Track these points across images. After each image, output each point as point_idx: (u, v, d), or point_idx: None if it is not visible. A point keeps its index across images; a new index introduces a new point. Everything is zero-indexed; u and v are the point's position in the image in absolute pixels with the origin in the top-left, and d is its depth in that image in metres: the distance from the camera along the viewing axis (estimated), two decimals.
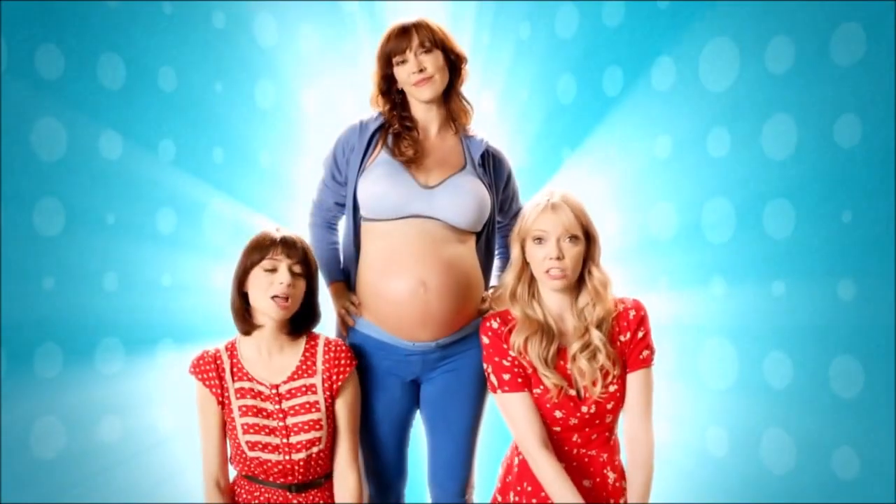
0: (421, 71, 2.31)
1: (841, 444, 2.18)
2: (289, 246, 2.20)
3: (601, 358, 2.17)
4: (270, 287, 2.17)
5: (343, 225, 2.47)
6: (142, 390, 2.69)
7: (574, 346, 2.18)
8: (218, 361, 2.24)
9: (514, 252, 2.23)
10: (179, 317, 2.80)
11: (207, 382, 2.23)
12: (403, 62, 2.33)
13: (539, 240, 2.17)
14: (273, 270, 2.18)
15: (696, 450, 2.62)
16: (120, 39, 2.57)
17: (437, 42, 2.33)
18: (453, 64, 2.37)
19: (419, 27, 2.33)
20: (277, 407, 2.22)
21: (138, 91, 2.62)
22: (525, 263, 2.22)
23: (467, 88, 2.47)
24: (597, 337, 2.17)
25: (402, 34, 2.33)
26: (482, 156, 2.39)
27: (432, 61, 2.32)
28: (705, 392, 2.57)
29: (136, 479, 2.66)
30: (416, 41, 2.31)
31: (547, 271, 2.15)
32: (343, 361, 2.28)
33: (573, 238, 2.16)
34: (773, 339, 2.35)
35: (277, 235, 2.21)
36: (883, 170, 2.08)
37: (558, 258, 2.14)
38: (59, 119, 2.40)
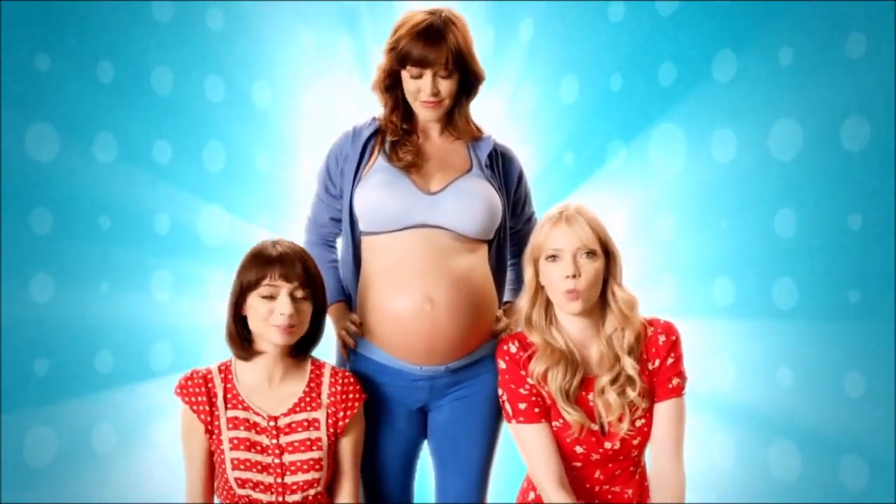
0: (434, 94, 2.13)
1: (847, 450, 2.19)
2: (287, 266, 1.99)
3: (631, 392, 2.01)
4: (271, 316, 1.98)
5: (342, 242, 2.30)
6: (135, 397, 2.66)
7: (603, 379, 2.03)
8: (209, 384, 2.04)
9: (528, 274, 2.09)
10: (174, 322, 2.74)
11: (195, 406, 2.02)
12: (418, 76, 2.12)
13: (553, 257, 2.02)
14: (272, 297, 1.99)
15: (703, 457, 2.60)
16: (115, 40, 2.54)
17: (459, 63, 2.12)
18: (468, 83, 2.18)
19: (447, 41, 2.08)
20: (274, 442, 2.03)
21: (133, 92, 2.60)
22: (539, 286, 2.07)
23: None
24: (630, 366, 2.02)
25: (428, 44, 2.08)
26: (489, 156, 2.21)
27: (449, 86, 2.13)
28: (712, 405, 2.56)
29: (129, 485, 2.63)
30: (440, 60, 2.09)
31: (564, 292, 2.00)
32: (351, 396, 2.09)
33: (590, 253, 2.01)
34: (779, 353, 2.36)
35: (274, 252, 2.01)
36: (883, 170, 2.10)
37: (574, 276, 1.98)
38: (52, 121, 2.37)
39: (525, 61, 3.20)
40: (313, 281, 2.03)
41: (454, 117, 2.21)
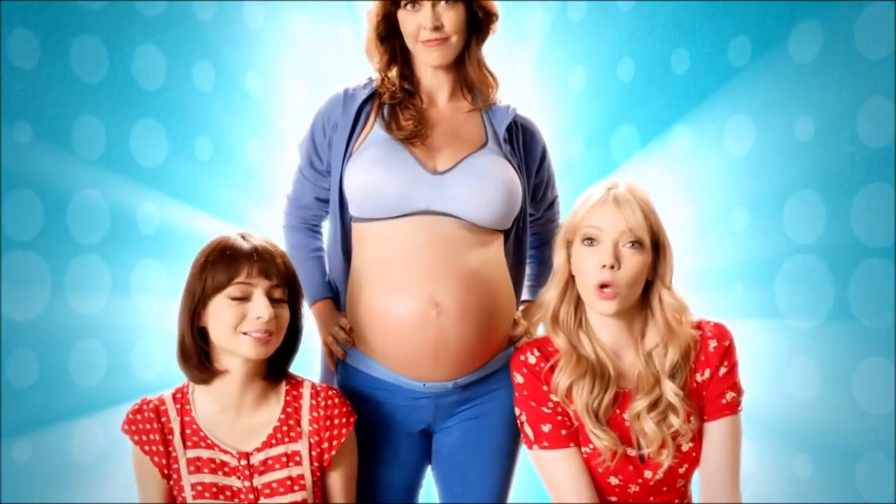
0: (436, 28, 1.89)
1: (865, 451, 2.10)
2: (265, 261, 1.72)
3: (675, 420, 1.76)
4: (243, 322, 1.71)
5: (328, 227, 2.07)
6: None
7: (639, 403, 1.77)
8: (163, 418, 1.76)
9: (558, 260, 1.83)
10: (161, 324, 2.55)
11: (147, 447, 1.75)
12: (415, 8, 1.90)
13: (590, 240, 1.74)
14: (244, 299, 1.70)
15: None
16: (101, 25, 2.40)
17: None
18: (477, 19, 1.95)
19: None
20: (247, 484, 1.76)
21: (121, 81, 2.47)
22: (571, 275, 1.82)
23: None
24: (671, 392, 1.76)
25: None
26: (508, 128, 1.98)
27: (453, 18, 1.90)
28: None
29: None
30: None
31: (597, 286, 1.72)
32: (338, 421, 1.82)
33: (636, 243, 1.73)
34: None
35: (246, 245, 1.73)
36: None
37: (612, 266, 1.70)
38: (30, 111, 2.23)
39: (535, 51, 3.15)
40: (293, 283, 1.78)
41: (464, 65, 1.98)
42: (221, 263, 1.71)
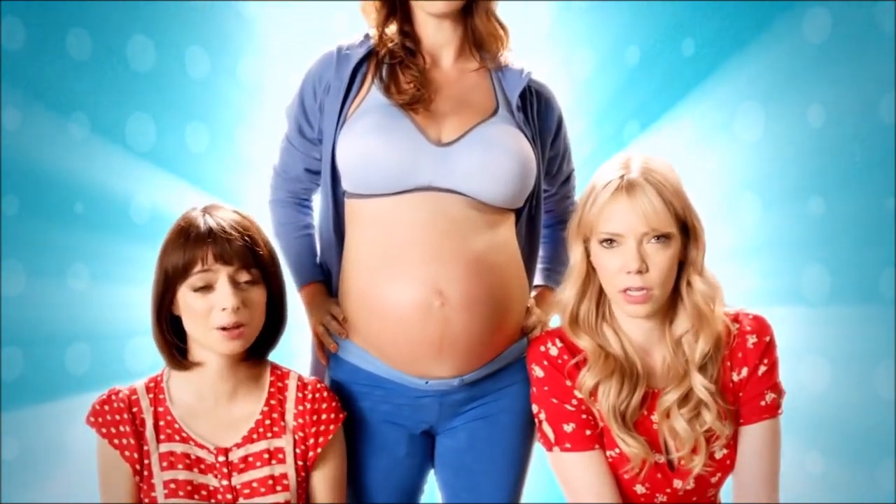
0: None
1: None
2: (221, 241, 1.60)
3: (708, 416, 1.62)
4: (211, 315, 1.61)
5: (319, 202, 1.92)
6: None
7: (669, 397, 1.63)
8: (134, 409, 1.66)
9: (574, 255, 1.68)
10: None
11: (117, 440, 1.64)
12: None
13: (610, 241, 1.59)
14: (208, 288, 1.60)
15: None
16: (89, 11, 2.41)
17: None
18: None
19: None
20: (225, 483, 1.65)
21: (109, 66, 2.48)
22: (591, 270, 1.67)
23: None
24: (701, 385, 1.62)
25: None
26: (521, 95, 1.80)
27: None
28: None
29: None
30: None
31: (623, 290, 1.60)
32: (325, 416, 1.71)
33: (662, 237, 1.57)
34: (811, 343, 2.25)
35: (203, 226, 1.62)
36: None
37: (639, 271, 1.57)
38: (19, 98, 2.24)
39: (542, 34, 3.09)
40: (262, 258, 1.65)
41: (472, 16, 1.80)
42: (177, 250, 1.62)
